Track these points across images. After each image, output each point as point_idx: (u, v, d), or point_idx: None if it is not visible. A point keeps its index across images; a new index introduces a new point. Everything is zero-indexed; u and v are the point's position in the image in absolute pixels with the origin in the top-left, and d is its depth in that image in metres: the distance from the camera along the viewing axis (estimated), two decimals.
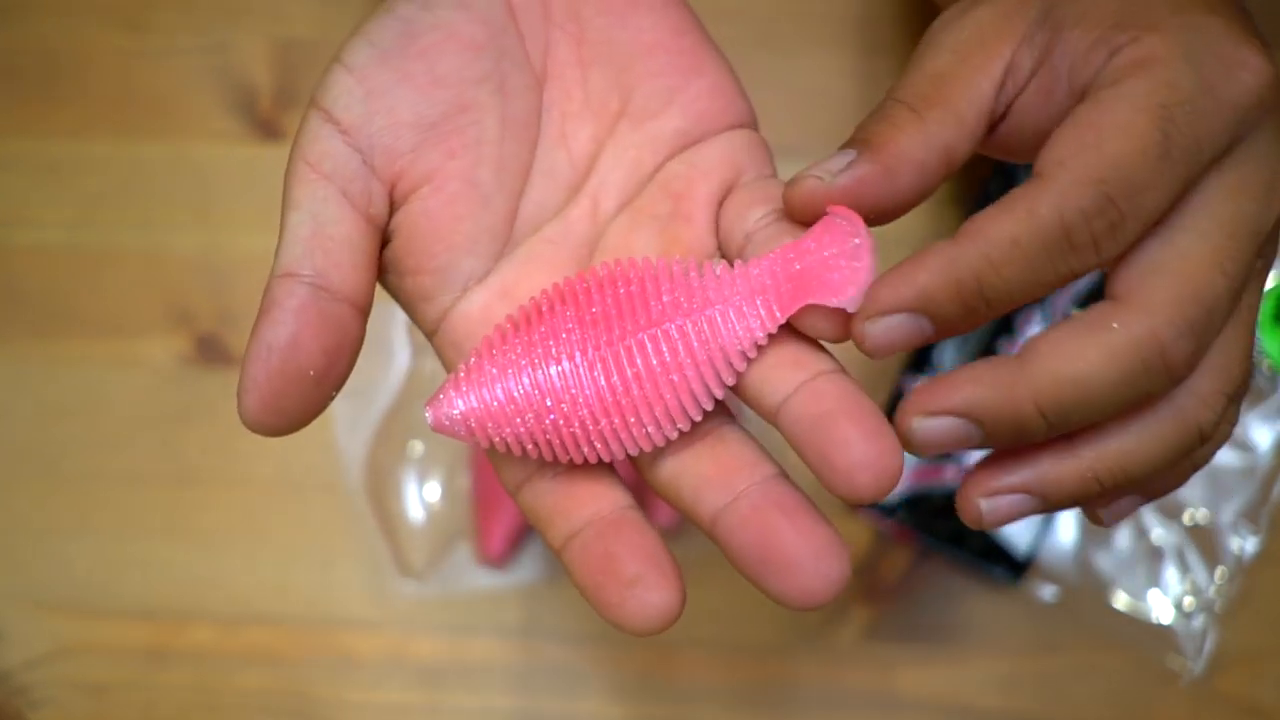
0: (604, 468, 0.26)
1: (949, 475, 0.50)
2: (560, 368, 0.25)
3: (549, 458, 0.26)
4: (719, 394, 0.25)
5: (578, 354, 0.25)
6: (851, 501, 0.24)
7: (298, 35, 0.55)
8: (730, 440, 0.26)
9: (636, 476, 0.27)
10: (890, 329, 0.24)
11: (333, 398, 0.25)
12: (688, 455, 0.26)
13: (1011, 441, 0.24)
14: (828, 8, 0.54)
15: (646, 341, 0.25)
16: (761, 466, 0.25)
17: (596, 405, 0.25)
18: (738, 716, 0.50)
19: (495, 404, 0.25)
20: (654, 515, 0.40)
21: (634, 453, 0.26)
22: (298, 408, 0.24)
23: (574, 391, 0.25)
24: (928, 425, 0.23)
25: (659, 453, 0.26)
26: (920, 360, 0.50)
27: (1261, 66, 0.23)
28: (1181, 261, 0.23)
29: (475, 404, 0.25)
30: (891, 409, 0.50)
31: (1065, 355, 0.23)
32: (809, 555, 0.23)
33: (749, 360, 0.25)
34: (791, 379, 0.25)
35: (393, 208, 0.26)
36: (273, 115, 0.54)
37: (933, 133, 0.25)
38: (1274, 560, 0.50)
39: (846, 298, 0.24)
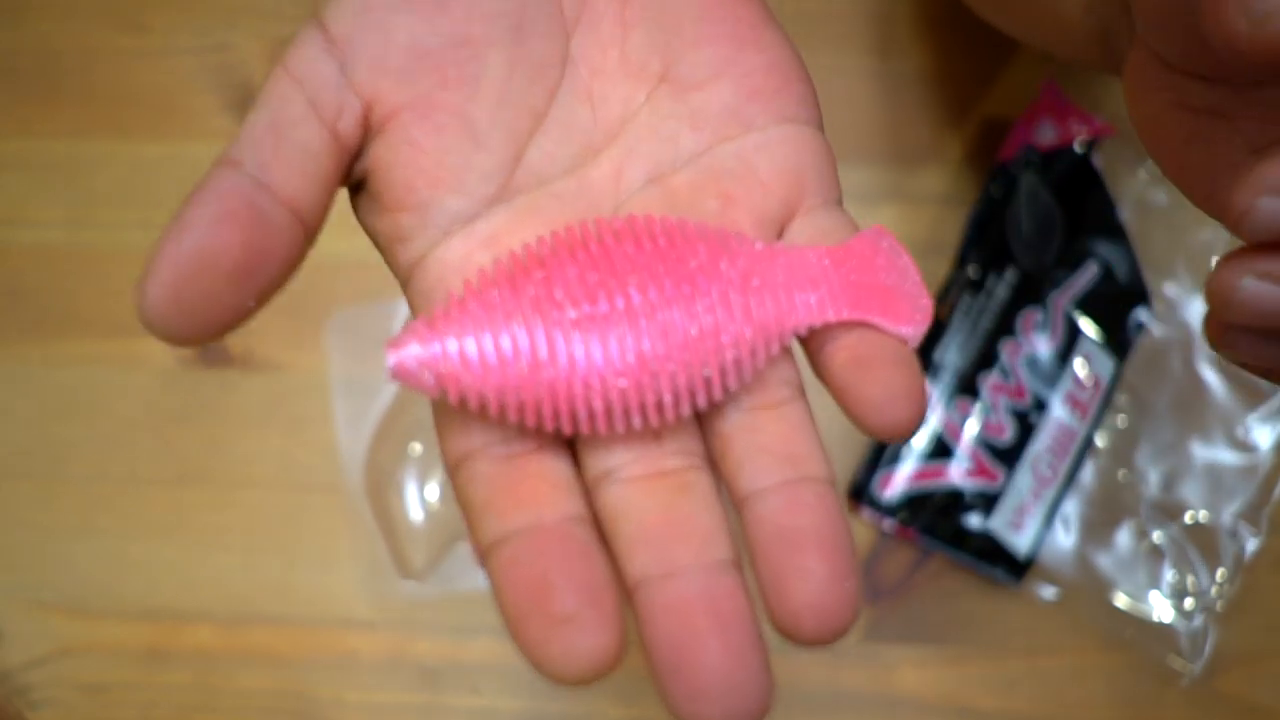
0: (561, 460, 0.23)
1: (950, 475, 0.50)
2: (567, 315, 0.22)
3: (529, 423, 0.22)
4: (748, 376, 0.23)
5: (586, 305, 0.22)
6: (784, 632, 0.21)
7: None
8: (695, 491, 0.23)
9: None
10: None
11: (250, 311, 0.21)
12: (640, 490, 0.22)
13: None
14: (842, 7, 0.54)
15: (677, 297, 0.22)
16: (714, 545, 0.22)
17: (607, 366, 0.22)
18: None
19: (476, 351, 0.21)
20: None
21: (637, 427, 0.22)
22: (204, 304, 0.21)
23: (582, 346, 0.22)
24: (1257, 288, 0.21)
25: (610, 473, 0.23)
26: (921, 361, 0.50)
27: None
28: None
29: (451, 349, 0.21)
30: None
31: None
32: (724, 684, 0.20)
33: (784, 347, 0.23)
34: (777, 472, 0.22)
35: (369, 131, 0.24)
36: None
37: None
38: (1274, 560, 0.50)
39: (915, 328, 0.23)
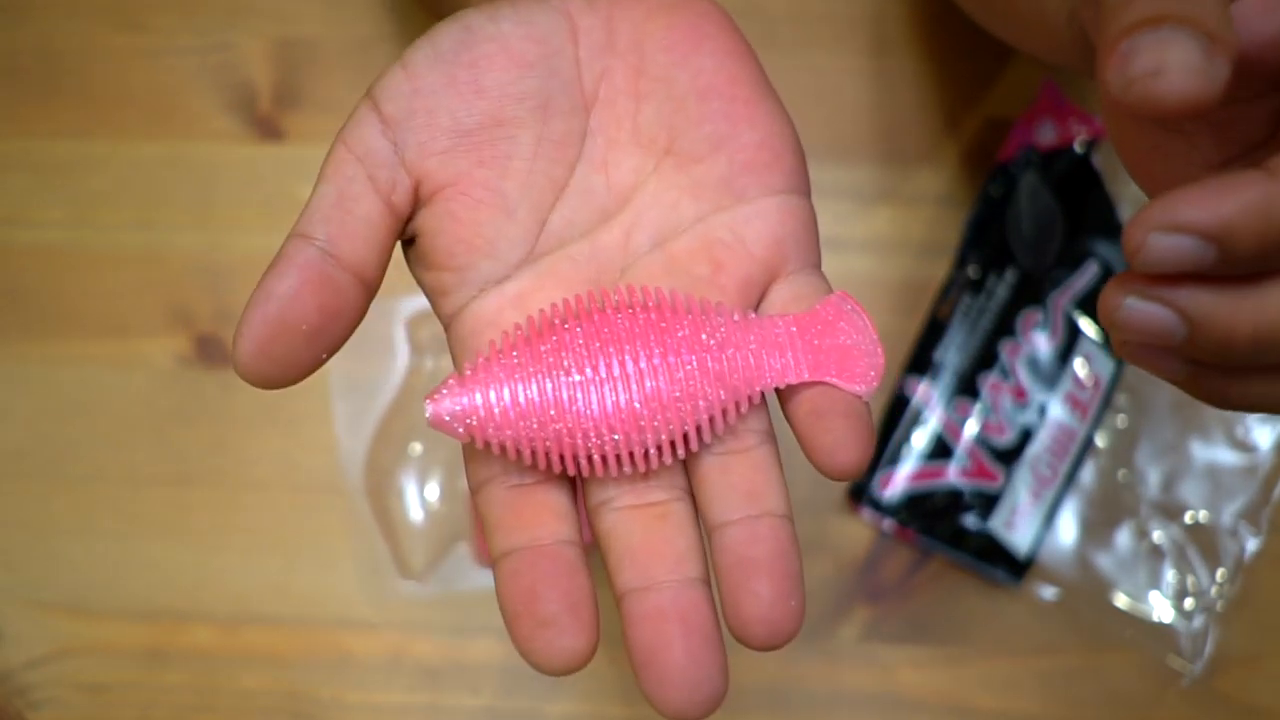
0: (562, 492, 0.27)
1: (949, 475, 0.50)
2: (572, 378, 0.26)
3: (540, 466, 0.27)
4: (720, 430, 0.27)
5: (589, 369, 0.26)
6: (740, 640, 0.25)
7: (298, 35, 0.55)
8: (674, 520, 0.27)
9: None
10: (1175, 247, 0.22)
11: (323, 360, 0.26)
12: (628, 517, 0.27)
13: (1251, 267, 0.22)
14: (835, 7, 0.54)
15: (663, 367, 0.26)
16: (686, 565, 0.26)
17: (603, 422, 0.26)
18: (738, 717, 0.50)
19: (500, 405, 0.26)
20: None
21: (629, 472, 0.27)
22: (287, 358, 0.25)
23: (583, 405, 0.26)
24: (1164, 242, 0.22)
25: (606, 503, 0.27)
26: (921, 361, 0.50)
27: None
28: None
29: (479, 402, 0.26)
30: (892, 410, 0.50)
31: None
32: (686, 678, 0.25)
33: (752, 405, 0.27)
34: (741, 507, 0.26)
35: (418, 202, 0.28)
36: (272, 115, 0.54)
37: None
38: (1274, 560, 0.50)
39: (867, 386, 0.27)
